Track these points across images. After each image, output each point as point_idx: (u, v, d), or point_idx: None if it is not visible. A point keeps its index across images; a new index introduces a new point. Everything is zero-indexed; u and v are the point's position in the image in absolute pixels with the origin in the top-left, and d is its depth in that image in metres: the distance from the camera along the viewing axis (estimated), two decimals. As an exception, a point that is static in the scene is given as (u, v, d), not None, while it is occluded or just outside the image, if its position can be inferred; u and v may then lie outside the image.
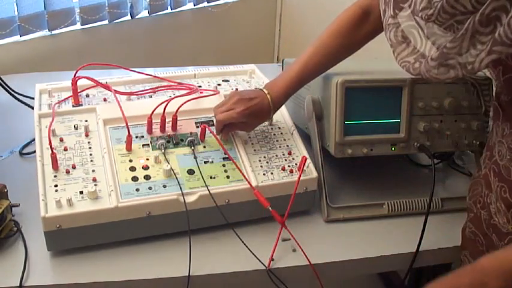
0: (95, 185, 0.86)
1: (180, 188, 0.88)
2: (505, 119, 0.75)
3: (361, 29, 0.95)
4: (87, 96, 1.04)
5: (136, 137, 0.95)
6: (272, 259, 0.87)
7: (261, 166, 0.95)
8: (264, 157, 0.97)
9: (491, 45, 0.59)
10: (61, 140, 0.92)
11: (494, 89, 0.87)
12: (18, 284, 0.79)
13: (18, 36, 1.82)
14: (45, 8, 1.85)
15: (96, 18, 2.05)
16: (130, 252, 0.87)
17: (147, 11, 2.31)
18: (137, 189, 0.87)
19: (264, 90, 0.96)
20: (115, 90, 1.01)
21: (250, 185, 0.90)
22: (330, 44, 0.95)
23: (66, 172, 0.87)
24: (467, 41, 0.61)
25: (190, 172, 0.91)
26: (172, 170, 0.89)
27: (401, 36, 0.72)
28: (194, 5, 2.56)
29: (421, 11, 0.66)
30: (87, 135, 0.94)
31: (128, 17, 2.21)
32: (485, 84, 1.01)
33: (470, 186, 0.90)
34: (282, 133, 1.03)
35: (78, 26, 2.03)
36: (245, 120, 0.94)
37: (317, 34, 0.98)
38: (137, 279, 0.83)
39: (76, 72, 1.01)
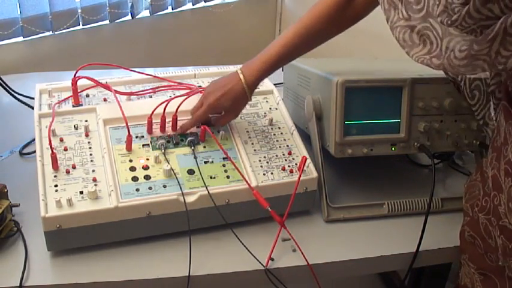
0: (95, 185, 0.86)
1: (180, 188, 0.88)
2: None
3: (345, 13, 0.92)
4: (87, 96, 1.04)
5: (137, 137, 0.95)
6: (272, 259, 0.87)
7: (261, 166, 0.95)
8: (264, 157, 0.97)
9: None
10: (61, 140, 0.92)
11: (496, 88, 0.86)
12: (18, 284, 0.79)
13: (21, 37, 1.82)
14: (49, 9, 1.86)
15: (97, 18, 2.05)
16: (130, 252, 0.87)
17: (148, 11, 2.31)
18: (137, 189, 0.87)
19: (239, 72, 0.95)
20: (115, 90, 1.01)
21: (249, 185, 0.90)
22: (312, 27, 0.92)
23: (66, 172, 0.87)
24: (497, 44, 0.60)
25: (190, 172, 0.91)
26: (173, 170, 0.89)
27: (418, 37, 0.72)
28: (194, 5, 2.55)
29: (439, 16, 0.66)
30: (87, 135, 0.94)
31: (129, 17, 2.21)
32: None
33: (467, 189, 0.89)
34: (282, 133, 1.03)
35: (79, 27, 2.03)
36: (220, 110, 0.94)
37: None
38: (137, 279, 0.83)
39: (76, 72, 1.01)
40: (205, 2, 2.60)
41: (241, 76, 0.94)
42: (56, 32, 1.94)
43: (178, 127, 0.97)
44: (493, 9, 0.59)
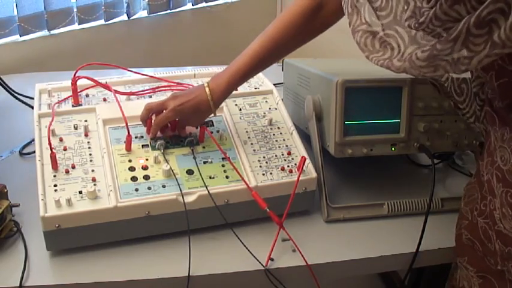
0: (94, 184, 0.86)
1: (180, 188, 0.88)
2: (502, 124, 0.73)
3: (313, 23, 0.90)
4: (87, 96, 1.04)
5: (136, 137, 0.95)
6: (271, 259, 0.87)
7: (260, 166, 0.95)
8: (264, 157, 0.97)
9: (491, 48, 0.57)
10: (61, 139, 0.92)
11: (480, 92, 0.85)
12: (18, 284, 0.79)
13: (18, 36, 1.82)
14: (44, 8, 1.86)
15: (92, 18, 2.05)
16: (130, 252, 0.87)
17: (146, 11, 2.31)
18: (136, 189, 0.87)
19: (205, 85, 0.94)
20: (115, 90, 1.01)
21: (248, 186, 0.90)
22: (280, 38, 0.91)
23: (66, 172, 0.87)
24: (459, 43, 0.59)
25: (190, 172, 0.91)
26: (172, 170, 0.89)
27: (379, 44, 0.71)
28: (193, 5, 2.55)
29: (406, 20, 0.65)
30: (86, 135, 0.94)
31: (125, 17, 2.21)
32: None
33: (466, 191, 0.88)
34: (281, 133, 1.03)
35: (76, 26, 2.03)
36: (181, 116, 0.93)
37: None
38: (137, 279, 0.83)
39: (76, 72, 1.01)
40: (206, 2, 2.60)
41: (207, 89, 0.92)
42: (54, 32, 1.94)
43: (176, 128, 0.97)
44: (459, 11, 0.58)
